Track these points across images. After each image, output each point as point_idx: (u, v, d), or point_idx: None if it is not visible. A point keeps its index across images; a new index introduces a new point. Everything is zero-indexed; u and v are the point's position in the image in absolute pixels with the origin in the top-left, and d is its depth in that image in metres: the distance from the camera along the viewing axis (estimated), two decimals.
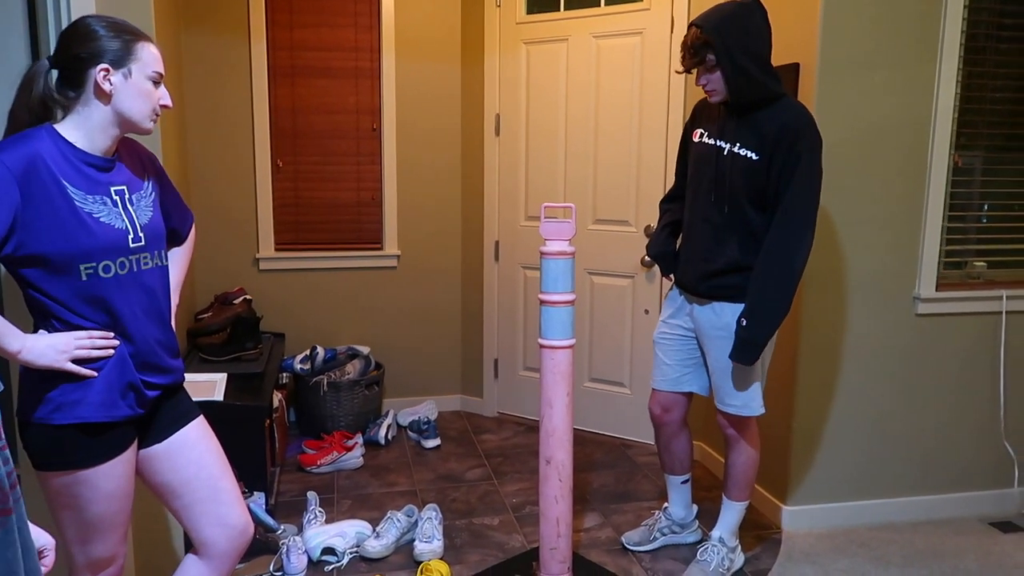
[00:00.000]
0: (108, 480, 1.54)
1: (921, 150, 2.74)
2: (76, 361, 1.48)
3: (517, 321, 3.91)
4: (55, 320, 1.50)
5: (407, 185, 3.94)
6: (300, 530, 2.71)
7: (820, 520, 2.85)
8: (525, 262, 3.84)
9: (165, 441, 1.66)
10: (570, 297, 2.21)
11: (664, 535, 2.69)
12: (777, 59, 2.26)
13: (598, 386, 3.76)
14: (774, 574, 2.55)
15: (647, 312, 3.54)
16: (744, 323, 2.22)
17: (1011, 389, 2.96)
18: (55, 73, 1.48)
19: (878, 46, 2.64)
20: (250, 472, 2.67)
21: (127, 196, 1.56)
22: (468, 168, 3.97)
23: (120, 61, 1.48)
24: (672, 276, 2.54)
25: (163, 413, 1.66)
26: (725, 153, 2.26)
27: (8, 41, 1.86)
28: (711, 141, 2.32)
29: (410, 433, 3.76)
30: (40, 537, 1.04)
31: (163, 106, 1.56)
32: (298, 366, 3.68)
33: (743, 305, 2.25)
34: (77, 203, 1.47)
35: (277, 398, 3.26)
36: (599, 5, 3.52)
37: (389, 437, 3.69)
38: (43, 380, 1.49)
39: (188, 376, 1.78)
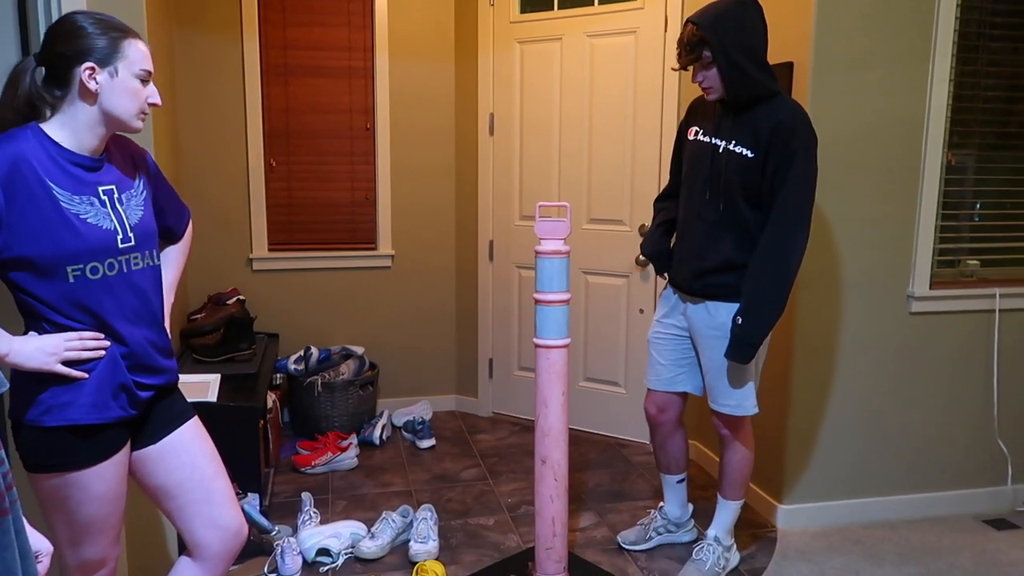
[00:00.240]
0: (100, 482, 1.52)
1: (914, 148, 2.75)
2: (67, 363, 1.47)
3: (512, 321, 3.91)
4: (45, 322, 1.48)
5: (401, 185, 3.93)
6: (295, 531, 2.71)
7: (815, 518, 2.86)
8: (520, 261, 3.83)
9: (159, 443, 1.64)
10: (565, 296, 2.21)
11: (660, 534, 2.69)
12: (771, 58, 2.26)
13: (593, 385, 3.76)
14: (769, 573, 2.55)
15: (642, 311, 3.54)
16: (740, 321, 2.22)
17: (1004, 387, 2.97)
18: (42, 71, 1.45)
19: (872, 45, 2.64)
20: (244, 473, 2.66)
21: (116, 196, 1.54)
22: (462, 167, 3.96)
23: (106, 59, 1.45)
24: (667, 275, 2.54)
25: (157, 414, 1.65)
26: (720, 151, 2.26)
27: None
28: (706, 139, 2.31)
29: (405, 433, 3.75)
30: (37, 542, 1.03)
31: (152, 104, 1.53)
32: (292, 366, 3.66)
33: (737, 304, 2.25)
34: (63, 204, 1.44)
35: (271, 399, 3.25)
36: (592, 4, 3.51)
37: (384, 437, 3.68)
38: (34, 382, 1.48)
39: (181, 377, 1.76)
